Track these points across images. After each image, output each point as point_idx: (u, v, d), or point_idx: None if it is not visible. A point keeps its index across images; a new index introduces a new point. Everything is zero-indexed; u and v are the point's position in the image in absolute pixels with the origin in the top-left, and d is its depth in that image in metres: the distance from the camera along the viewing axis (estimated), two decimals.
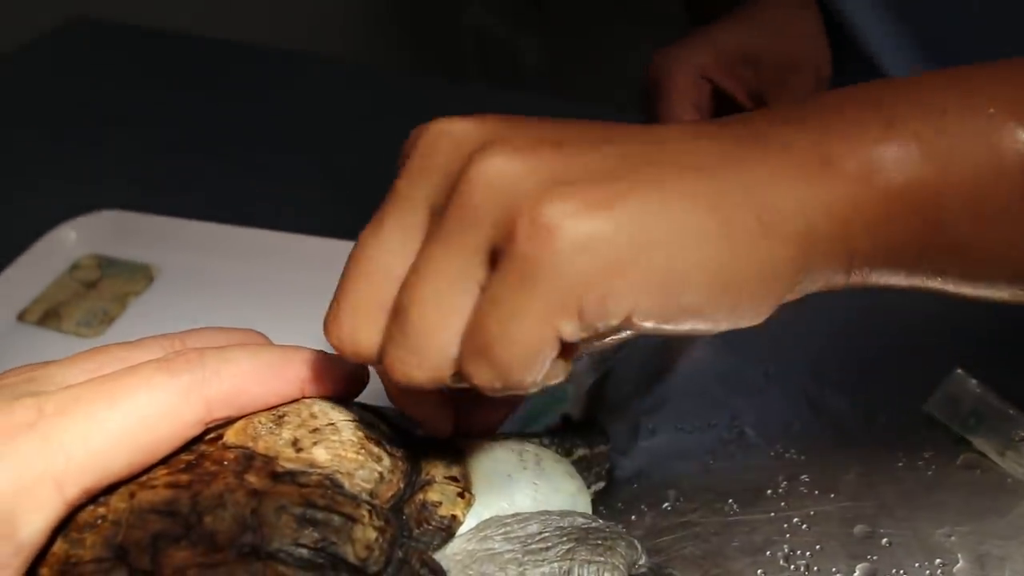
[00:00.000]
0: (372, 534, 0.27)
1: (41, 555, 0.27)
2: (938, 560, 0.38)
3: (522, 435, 0.35)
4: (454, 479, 0.30)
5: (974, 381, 0.43)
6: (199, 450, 0.28)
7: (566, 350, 0.26)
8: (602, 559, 0.29)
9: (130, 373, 0.28)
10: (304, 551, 0.26)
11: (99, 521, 0.27)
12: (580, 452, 0.37)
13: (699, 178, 0.27)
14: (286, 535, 0.26)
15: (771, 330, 0.49)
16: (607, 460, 0.38)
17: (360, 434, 0.29)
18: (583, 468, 0.36)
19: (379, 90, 0.80)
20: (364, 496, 0.28)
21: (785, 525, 0.40)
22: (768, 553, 0.39)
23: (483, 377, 0.26)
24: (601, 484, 0.38)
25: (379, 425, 0.31)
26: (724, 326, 0.28)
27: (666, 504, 0.41)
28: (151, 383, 0.28)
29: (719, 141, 0.28)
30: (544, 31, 1.69)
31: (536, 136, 0.27)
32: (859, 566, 0.38)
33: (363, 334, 0.28)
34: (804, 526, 0.40)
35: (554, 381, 0.27)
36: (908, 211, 0.29)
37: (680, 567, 0.39)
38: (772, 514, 0.41)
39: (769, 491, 0.42)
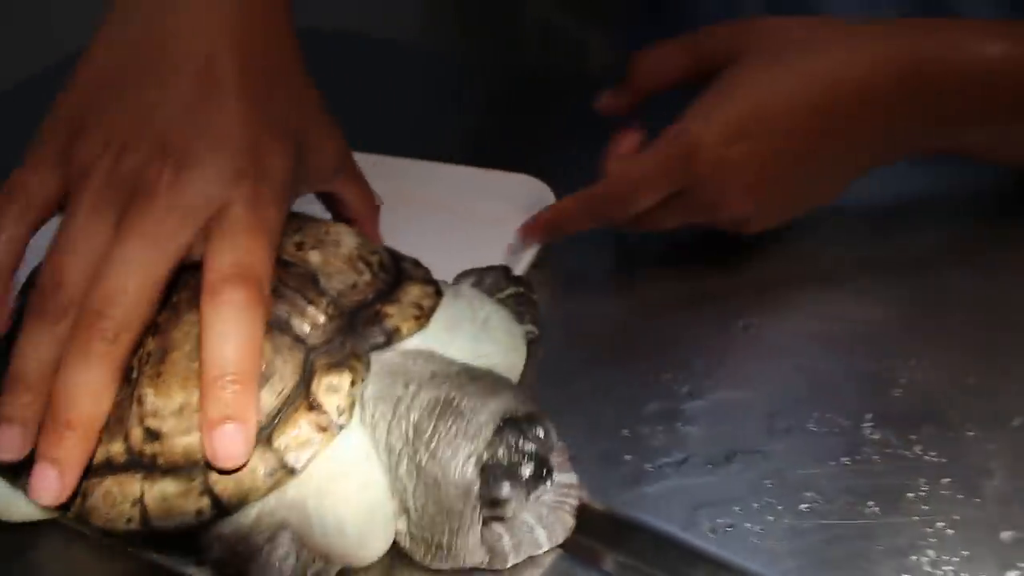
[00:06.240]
0: (321, 318, 0.36)
1: None
2: None
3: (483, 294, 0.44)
4: (418, 306, 0.38)
5: None
6: None
7: None
8: (480, 399, 0.34)
9: None
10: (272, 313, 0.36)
11: None
12: (510, 290, 0.45)
13: None
14: None
15: (905, 329, 0.49)
16: (537, 310, 0.46)
17: (355, 254, 0.39)
18: (517, 304, 0.45)
19: (443, 79, 0.80)
20: (332, 293, 0.38)
21: (929, 529, 0.39)
22: (914, 558, 0.38)
23: None
24: (535, 331, 0.45)
25: (383, 257, 0.40)
26: None
27: (804, 505, 0.40)
28: None
29: None
30: (608, 20, 1.67)
31: None
32: (1009, 574, 0.37)
33: None
34: (950, 531, 0.39)
35: None
36: None
37: (823, 570, 0.38)
38: (916, 518, 0.40)
39: (910, 494, 0.41)
